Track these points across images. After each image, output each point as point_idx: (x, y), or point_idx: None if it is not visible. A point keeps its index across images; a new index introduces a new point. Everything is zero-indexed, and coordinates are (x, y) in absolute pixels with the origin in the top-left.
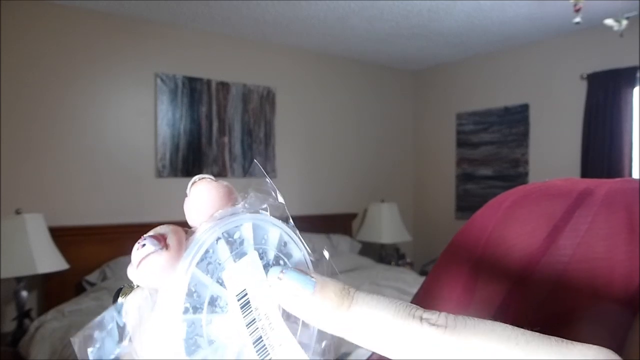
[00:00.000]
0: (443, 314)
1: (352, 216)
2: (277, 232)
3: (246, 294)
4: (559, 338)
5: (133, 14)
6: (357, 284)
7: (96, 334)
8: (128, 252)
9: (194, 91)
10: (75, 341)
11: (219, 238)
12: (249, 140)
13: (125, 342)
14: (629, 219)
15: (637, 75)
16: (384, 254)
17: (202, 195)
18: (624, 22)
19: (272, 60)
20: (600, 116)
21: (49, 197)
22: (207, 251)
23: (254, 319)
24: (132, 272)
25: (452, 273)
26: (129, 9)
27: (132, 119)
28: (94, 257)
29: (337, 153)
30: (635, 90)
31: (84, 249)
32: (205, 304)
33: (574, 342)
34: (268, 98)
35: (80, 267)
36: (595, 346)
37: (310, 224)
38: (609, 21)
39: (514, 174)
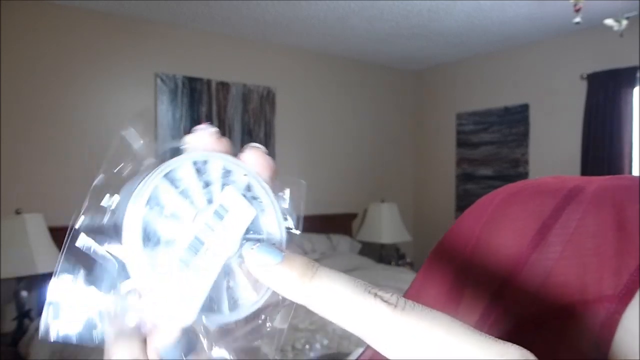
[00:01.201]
0: (395, 294)
1: (352, 216)
2: (274, 221)
3: (224, 209)
4: (488, 335)
5: (133, 14)
6: None
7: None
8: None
9: (194, 91)
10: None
11: (245, 174)
12: (249, 140)
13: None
14: (618, 216)
15: (637, 75)
16: (384, 254)
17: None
18: (624, 22)
19: (272, 60)
20: (600, 116)
21: (49, 197)
22: (228, 171)
23: (212, 229)
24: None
25: (441, 271)
26: (129, 9)
27: (132, 118)
28: None
29: (337, 153)
30: (635, 90)
31: None
32: (197, 180)
33: (499, 341)
34: (268, 98)
35: None
36: (516, 346)
37: (310, 224)
38: (609, 21)
39: (514, 174)
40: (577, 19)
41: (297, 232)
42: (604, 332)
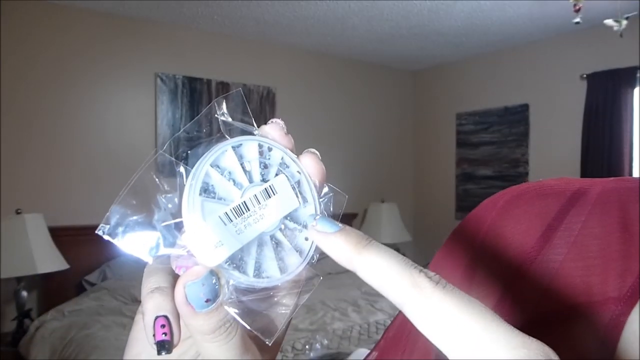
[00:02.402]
0: (439, 275)
1: (352, 216)
2: (312, 208)
3: (273, 191)
4: (514, 329)
5: (133, 14)
6: (357, 283)
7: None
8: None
9: (194, 91)
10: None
11: (299, 172)
12: None
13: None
14: (622, 218)
15: (637, 75)
16: None
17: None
18: (624, 22)
19: (272, 60)
20: (600, 116)
21: (49, 197)
22: (285, 163)
23: (259, 202)
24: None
25: (448, 274)
26: (129, 9)
27: (132, 119)
28: (94, 257)
29: (337, 153)
30: (635, 90)
31: (84, 249)
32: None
33: (524, 335)
34: (268, 98)
35: (80, 267)
36: (539, 342)
37: None
38: (609, 21)
39: (514, 174)
40: (577, 19)
41: None
42: (609, 334)
